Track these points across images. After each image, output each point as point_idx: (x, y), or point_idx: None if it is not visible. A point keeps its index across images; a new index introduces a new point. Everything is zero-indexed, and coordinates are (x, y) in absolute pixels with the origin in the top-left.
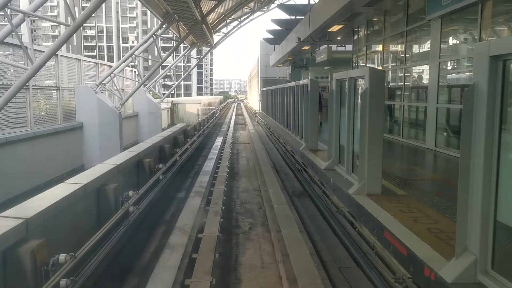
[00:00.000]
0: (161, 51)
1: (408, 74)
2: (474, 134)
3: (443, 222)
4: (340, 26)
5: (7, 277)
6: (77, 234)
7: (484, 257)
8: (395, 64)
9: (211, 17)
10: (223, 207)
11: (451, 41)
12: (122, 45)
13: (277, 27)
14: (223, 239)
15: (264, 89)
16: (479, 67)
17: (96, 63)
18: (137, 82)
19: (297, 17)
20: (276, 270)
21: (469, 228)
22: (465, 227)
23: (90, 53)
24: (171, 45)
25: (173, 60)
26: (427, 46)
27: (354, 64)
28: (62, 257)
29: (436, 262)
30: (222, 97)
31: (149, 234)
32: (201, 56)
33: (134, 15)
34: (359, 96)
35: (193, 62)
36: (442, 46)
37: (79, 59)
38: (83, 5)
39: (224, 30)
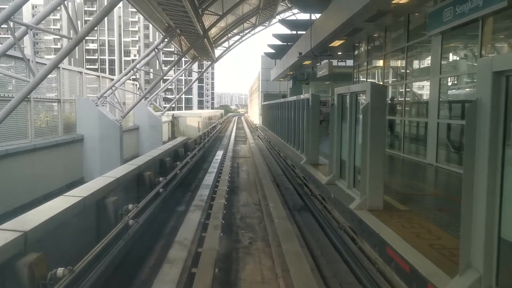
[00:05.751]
0: (163, 65)
1: (409, 89)
2: (477, 150)
3: (445, 238)
4: (341, 41)
5: None
6: (76, 248)
7: (488, 275)
8: (395, 79)
9: (213, 32)
10: (223, 221)
11: (452, 57)
12: (124, 58)
13: (278, 42)
14: (223, 253)
15: (265, 103)
16: (482, 82)
17: (98, 76)
18: (138, 95)
19: (298, 32)
20: (277, 285)
21: (473, 244)
22: (469, 244)
23: (92, 66)
24: (173, 58)
25: (175, 73)
26: (427, 61)
27: (355, 79)
28: (60, 271)
29: (440, 279)
30: (222, 110)
31: (148, 248)
32: (203, 70)
33: (136, 29)
34: (361, 111)
35: (194, 75)
36: (442, 62)
37: (80, 72)
38: (85, 18)
39: (226, 44)
